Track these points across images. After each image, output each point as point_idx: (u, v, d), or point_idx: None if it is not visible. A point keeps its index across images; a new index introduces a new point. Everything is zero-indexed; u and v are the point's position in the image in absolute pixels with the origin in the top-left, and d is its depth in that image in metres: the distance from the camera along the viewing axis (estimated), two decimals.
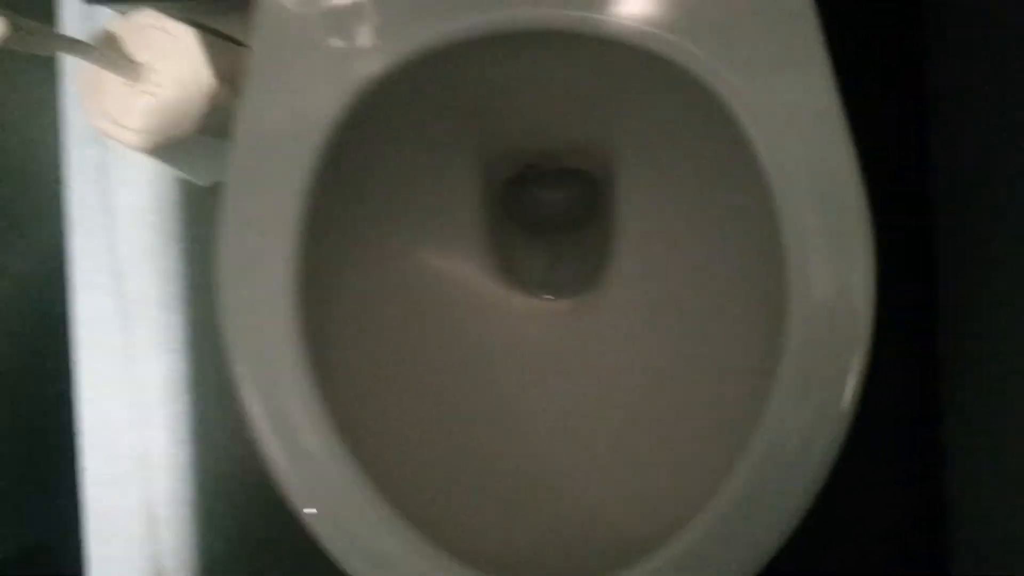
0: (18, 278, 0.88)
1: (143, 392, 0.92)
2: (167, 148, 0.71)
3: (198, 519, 0.92)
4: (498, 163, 0.62)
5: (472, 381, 0.58)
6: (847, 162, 0.47)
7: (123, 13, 0.72)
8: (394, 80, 0.48)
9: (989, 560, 0.75)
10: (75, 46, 0.59)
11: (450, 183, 0.61)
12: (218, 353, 0.88)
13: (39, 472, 0.90)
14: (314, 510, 0.49)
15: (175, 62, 0.70)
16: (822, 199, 0.47)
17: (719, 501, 0.45)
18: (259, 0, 0.49)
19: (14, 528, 0.83)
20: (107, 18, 0.82)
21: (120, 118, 0.69)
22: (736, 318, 0.56)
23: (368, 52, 0.47)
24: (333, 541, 0.48)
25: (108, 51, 0.66)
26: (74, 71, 0.90)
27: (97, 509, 0.91)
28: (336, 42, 0.48)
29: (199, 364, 0.91)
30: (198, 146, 0.74)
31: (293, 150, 0.47)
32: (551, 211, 0.69)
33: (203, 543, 0.92)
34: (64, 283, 0.90)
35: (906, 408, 0.85)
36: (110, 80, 0.69)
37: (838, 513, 0.80)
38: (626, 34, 0.46)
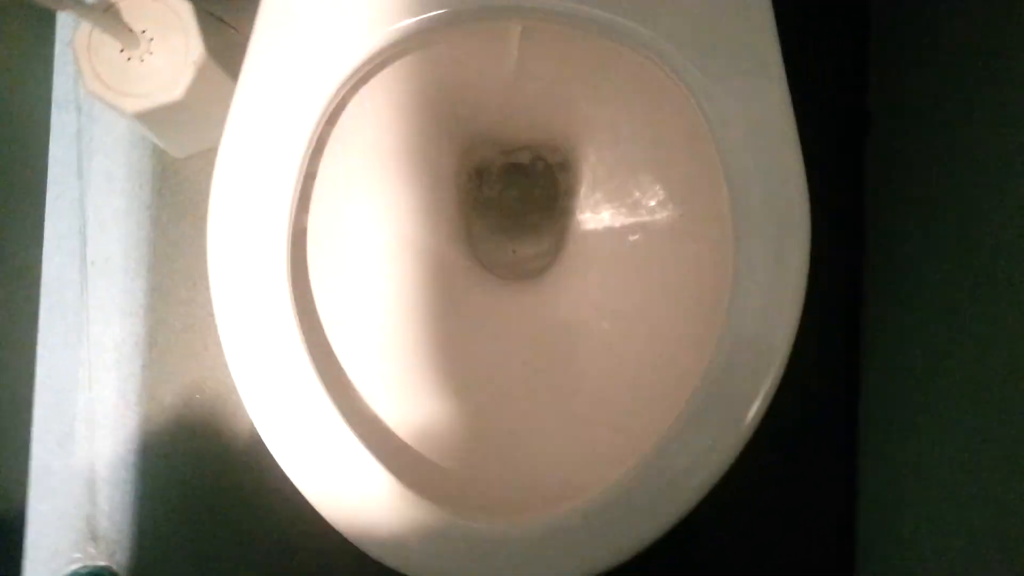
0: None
1: (97, 353, 0.94)
2: (154, 114, 0.75)
3: (139, 483, 0.93)
4: (471, 149, 0.67)
5: (436, 341, 0.63)
6: (797, 178, 0.52)
7: None
8: (386, 56, 0.53)
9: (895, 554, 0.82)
10: (81, 6, 0.63)
11: (427, 162, 0.66)
12: (177, 319, 0.93)
13: None
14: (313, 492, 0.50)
15: (169, 32, 0.74)
16: (773, 213, 0.52)
17: (637, 466, 0.50)
18: None
19: None
20: None
21: (113, 83, 0.73)
22: (677, 305, 0.62)
23: (364, 29, 0.52)
24: (313, 492, 0.50)
25: (109, 16, 0.70)
26: (66, 40, 0.93)
27: (40, 466, 0.93)
28: (336, 18, 0.52)
29: (155, 330, 0.94)
30: (183, 115, 0.78)
31: (294, 117, 0.51)
32: (512, 202, 0.75)
33: (142, 507, 0.93)
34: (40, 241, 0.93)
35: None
36: (105, 46, 0.73)
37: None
38: (602, 20, 0.52)
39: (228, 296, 0.52)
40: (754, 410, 0.51)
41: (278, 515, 0.92)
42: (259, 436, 0.89)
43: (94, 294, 0.94)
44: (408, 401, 0.59)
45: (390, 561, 0.49)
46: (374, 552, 0.49)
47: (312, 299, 0.55)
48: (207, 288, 0.91)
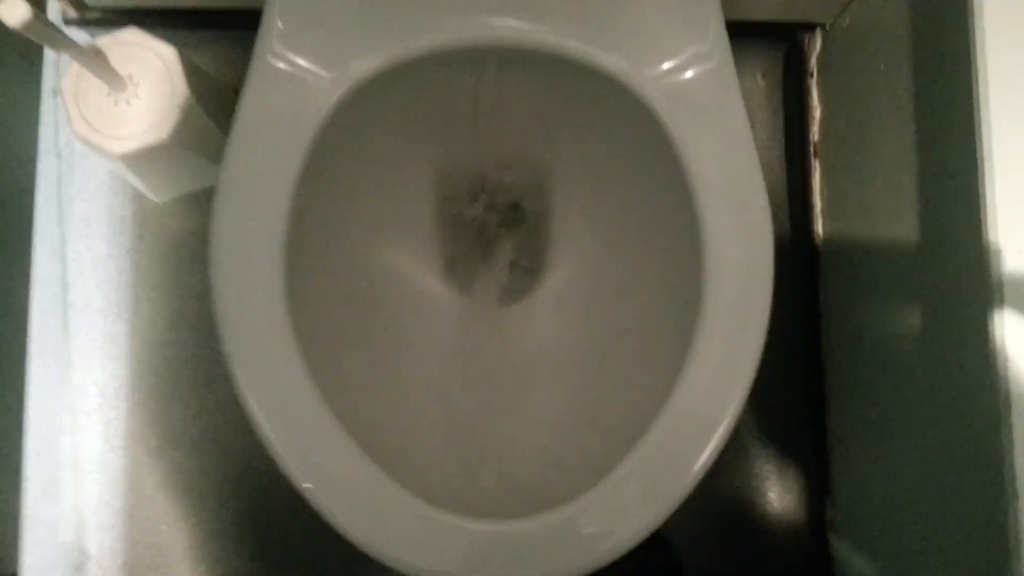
0: None
1: (80, 398, 0.94)
2: (139, 156, 0.77)
3: (127, 527, 0.93)
4: (449, 175, 0.71)
5: (419, 361, 0.66)
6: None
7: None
8: (374, 83, 0.56)
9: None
10: (74, 47, 0.66)
11: (407, 189, 0.69)
12: (159, 361, 0.94)
13: None
14: (310, 485, 0.52)
15: (155, 77, 0.77)
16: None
17: (625, 463, 0.52)
18: (264, 14, 0.57)
19: None
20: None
21: (100, 126, 0.76)
22: (652, 323, 0.66)
23: (357, 55, 0.56)
24: (331, 509, 0.51)
25: (100, 59, 0.72)
26: (51, 86, 0.96)
27: (28, 515, 0.93)
28: (327, 47, 0.56)
29: (138, 372, 0.95)
30: (166, 157, 0.80)
31: (286, 143, 0.54)
32: (490, 230, 0.78)
33: (131, 552, 0.93)
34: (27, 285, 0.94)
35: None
36: (93, 90, 0.76)
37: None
38: (577, 54, 0.57)
39: (232, 318, 0.54)
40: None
41: (268, 553, 0.92)
42: (245, 475, 0.92)
43: (76, 338, 0.95)
44: (399, 413, 0.61)
45: (391, 561, 0.51)
46: (378, 554, 0.51)
47: (306, 317, 0.58)
48: (188, 330, 0.94)
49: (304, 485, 0.51)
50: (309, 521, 0.90)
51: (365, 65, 0.56)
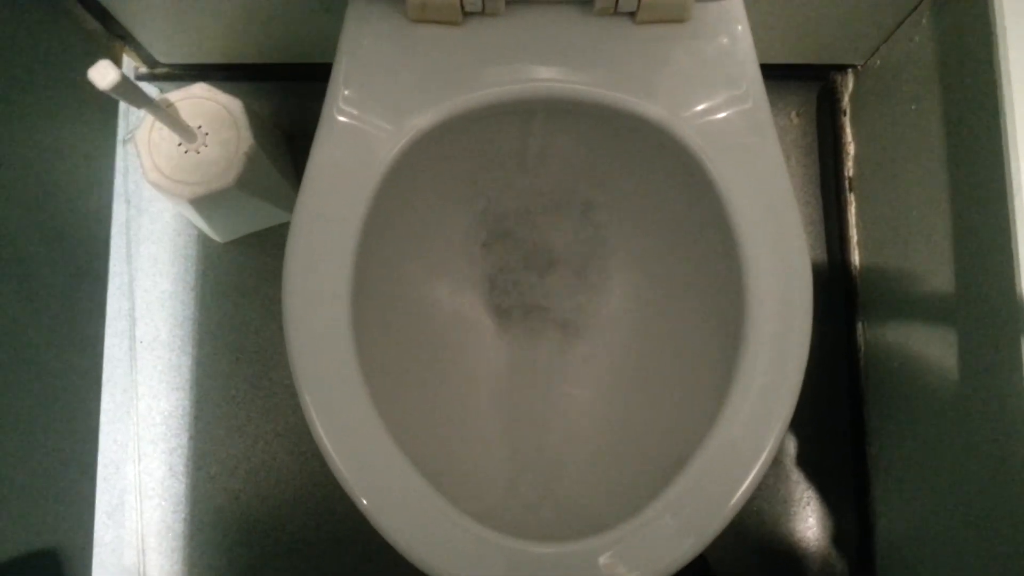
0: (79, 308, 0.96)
1: (145, 427, 0.99)
2: (206, 200, 0.83)
3: (187, 551, 0.98)
4: (499, 219, 0.75)
5: (470, 391, 0.69)
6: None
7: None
8: (432, 134, 0.61)
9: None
10: (150, 102, 0.71)
11: (458, 231, 0.73)
12: (220, 392, 0.99)
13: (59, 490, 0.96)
14: (366, 501, 0.54)
15: (222, 126, 0.82)
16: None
17: (664, 496, 0.55)
18: (332, 77, 0.62)
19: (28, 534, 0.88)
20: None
21: (171, 173, 0.81)
22: (694, 357, 0.69)
23: (415, 110, 0.60)
24: (386, 524, 0.54)
25: (172, 112, 0.78)
26: (121, 136, 1.02)
27: (97, 538, 0.97)
28: (388, 105, 0.61)
29: (201, 403, 1.00)
30: (231, 201, 0.86)
31: (353, 190, 0.59)
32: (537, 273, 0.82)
33: (189, 573, 0.97)
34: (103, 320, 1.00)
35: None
36: (164, 140, 0.82)
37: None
38: (618, 103, 0.61)
39: (302, 347, 0.57)
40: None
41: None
42: (300, 502, 0.96)
43: (143, 371, 1.00)
44: (452, 437, 0.65)
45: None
46: (427, 568, 0.54)
47: (368, 348, 0.61)
48: (248, 363, 0.99)
49: (363, 502, 0.54)
50: (362, 545, 0.95)
51: (423, 120, 0.60)
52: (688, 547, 0.54)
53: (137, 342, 1.00)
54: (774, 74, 1.02)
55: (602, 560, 0.53)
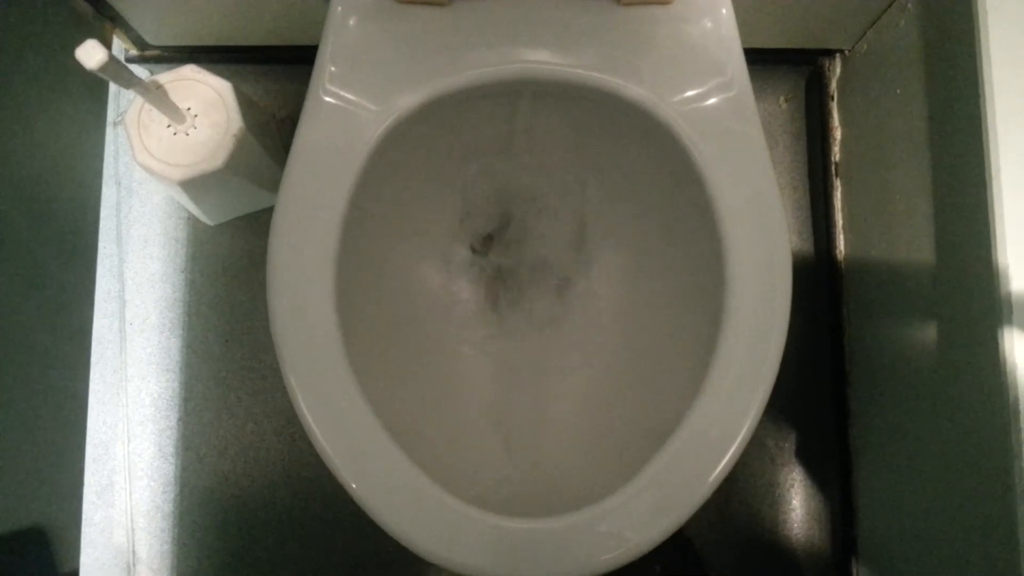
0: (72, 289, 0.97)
1: (136, 408, 1.00)
2: (196, 182, 0.83)
3: (175, 532, 0.98)
4: (485, 200, 0.76)
5: (457, 372, 0.70)
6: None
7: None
8: (418, 115, 0.61)
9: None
10: (140, 83, 0.72)
11: (445, 211, 0.74)
12: (210, 374, 0.99)
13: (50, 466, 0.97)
14: (355, 484, 0.55)
15: (212, 109, 0.83)
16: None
17: (643, 474, 0.56)
18: (317, 57, 0.62)
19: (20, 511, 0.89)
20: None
21: (161, 155, 0.81)
22: (675, 339, 0.70)
23: (401, 90, 0.60)
24: (374, 506, 0.55)
25: (161, 94, 0.78)
26: (111, 118, 1.03)
27: (86, 518, 0.98)
28: (374, 85, 0.61)
29: (190, 384, 1.00)
30: (221, 183, 0.86)
31: (338, 170, 0.59)
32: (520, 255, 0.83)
33: (179, 555, 0.98)
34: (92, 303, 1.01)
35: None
36: (154, 123, 0.82)
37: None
38: (605, 85, 0.61)
39: (287, 330, 0.58)
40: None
41: (314, 558, 0.97)
42: (288, 483, 0.96)
43: (132, 353, 1.00)
44: (438, 418, 0.65)
45: (426, 554, 0.55)
46: (415, 547, 0.54)
47: (354, 329, 0.62)
48: (237, 345, 0.99)
49: (352, 486, 0.55)
50: (351, 525, 0.96)
51: (409, 99, 0.61)
52: (662, 526, 0.55)
53: (127, 324, 1.01)
54: (764, 59, 1.03)
55: (584, 534, 0.54)
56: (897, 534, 0.85)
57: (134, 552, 0.98)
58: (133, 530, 0.99)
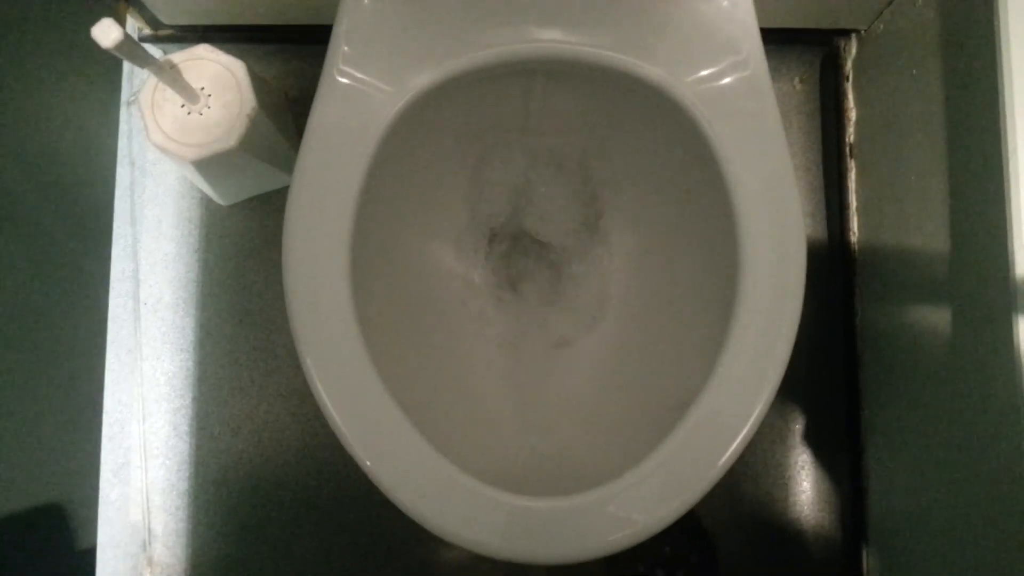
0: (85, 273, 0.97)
1: (151, 387, 1.01)
2: (209, 161, 0.83)
3: (191, 510, 0.99)
4: (499, 179, 0.76)
5: (469, 351, 0.70)
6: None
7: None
8: (431, 95, 0.61)
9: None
10: (154, 63, 0.72)
11: (458, 192, 0.74)
12: (224, 354, 1.00)
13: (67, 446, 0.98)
14: (369, 462, 0.56)
15: (225, 88, 0.83)
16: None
17: (653, 456, 0.56)
18: (332, 37, 0.62)
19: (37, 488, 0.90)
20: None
21: (175, 135, 0.82)
22: (689, 320, 0.70)
23: (416, 70, 0.60)
24: (387, 482, 0.55)
25: (175, 73, 0.78)
26: (125, 98, 1.03)
27: (103, 495, 0.99)
28: (388, 65, 0.61)
29: (204, 364, 1.01)
30: (234, 163, 0.86)
31: (353, 150, 0.59)
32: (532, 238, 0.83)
33: (194, 533, 0.99)
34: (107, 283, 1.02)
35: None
36: (168, 102, 0.82)
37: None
38: (619, 64, 0.61)
39: (302, 309, 0.58)
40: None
41: (327, 537, 0.98)
42: (302, 461, 0.97)
43: (147, 332, 1.01)
44: (452, 396, 0.66)
45: (438, 530, 0.55)
46: (427, 523, 0.55)
47: (368, 309, 0.62)
48: (251, 325, 1.00)
49: (366, 463, 0.56)
50: (364, 503, 0.97)
51: (423, 79, 0.61)
52: (669, 509, 0.55)
53: (141, 303, 1.01)
54: (779, 38, 1.02)
55: (593, 515, 0.55)
56: (907, 518, 0.85)
57: (150, 529, 0.99)
58: (149, 508, 1.00)
